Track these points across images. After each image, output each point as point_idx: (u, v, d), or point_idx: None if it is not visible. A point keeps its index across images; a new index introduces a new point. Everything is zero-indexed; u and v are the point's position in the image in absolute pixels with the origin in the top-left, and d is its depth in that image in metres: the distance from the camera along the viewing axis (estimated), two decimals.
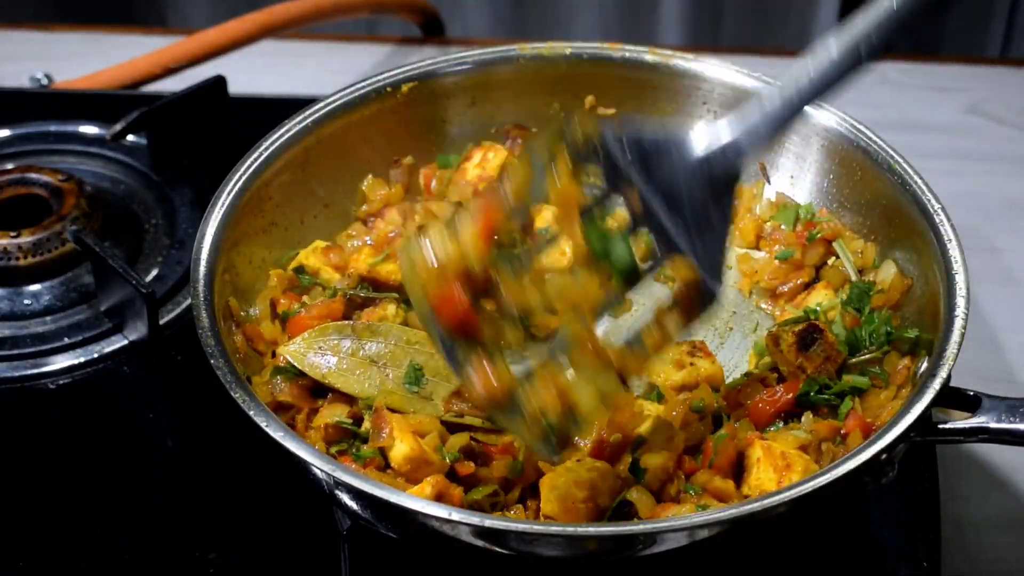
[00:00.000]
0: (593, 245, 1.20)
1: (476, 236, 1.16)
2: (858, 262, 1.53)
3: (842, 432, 1.33)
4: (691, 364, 1.44)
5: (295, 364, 1.38)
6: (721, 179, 1.17)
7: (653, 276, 1.21)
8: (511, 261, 1.18)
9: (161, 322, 1.57)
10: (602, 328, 1.20)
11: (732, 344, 1.53)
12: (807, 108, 1.57)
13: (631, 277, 1.20)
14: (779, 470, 1.27)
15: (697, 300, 1.18)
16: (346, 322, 1.41)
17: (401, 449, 1.29)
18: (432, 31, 2.36)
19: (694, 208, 1.17)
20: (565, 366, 1.17)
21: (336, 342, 1.39)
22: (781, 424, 1.37)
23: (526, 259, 1.19)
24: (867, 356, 1.41)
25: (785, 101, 1.17)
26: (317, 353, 1.39)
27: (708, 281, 1.17)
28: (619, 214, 1.44)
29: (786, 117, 1.17)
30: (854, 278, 1.51)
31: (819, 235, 1.55)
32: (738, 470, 1.33)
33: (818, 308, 1.47)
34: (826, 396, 1.37)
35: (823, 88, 1.15)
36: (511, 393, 1.17)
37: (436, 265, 1.14)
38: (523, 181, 1.18)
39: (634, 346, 1.19)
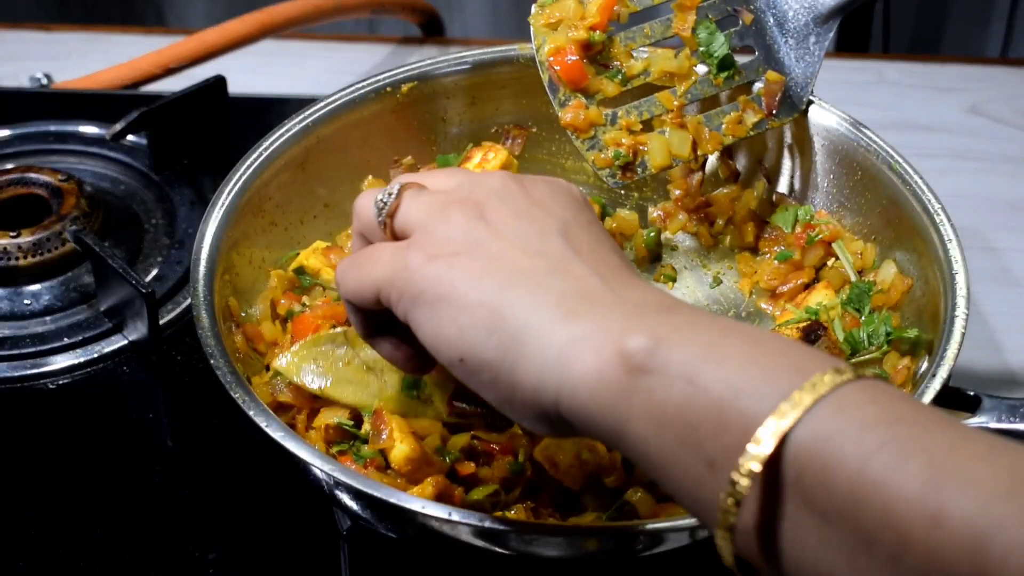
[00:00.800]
0: (699, 35, 1.48)
1: (600, 8, 1.46)
2: (858, 263, 1.53)
3: None
4: None
5: (288, 378, 1.37)
6: (825, 13, 1.46)
7: (745, 77, 1.51)
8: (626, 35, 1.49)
9: (161, 322, 1.57)
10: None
11: None
12: (809, 109, 1.60)
13: (725, 67, 1.48)
14: None
15: (780, 106, 1.47)
16: (338, 330, 1.39)
17: (401, 450, 1.29)
18: (432, 31, 2.36)
19: (797, 31, 1.45)
20: (647, 118, 1.47)
21: (329, 351, 1.37)
22: None
23: (639, 36, 1.51)
24: (867, 356, 1.41)
25: None
26: (310, 365, 1.37)
27: (795, 93, 1.46)
28: (619, 215, 1.50)
29: None
30: (853, 279, 1.51)
31: (818, 237, 1.55)
32: None
33: (819, 307, 1.47)
34: None
35: None
36: (593, 126, 1.47)
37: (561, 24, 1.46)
38: None
39: (712, 123, 1.49)
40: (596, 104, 1.48)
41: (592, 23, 1.46)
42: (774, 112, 1.51)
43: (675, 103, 1.50)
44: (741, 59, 1.53)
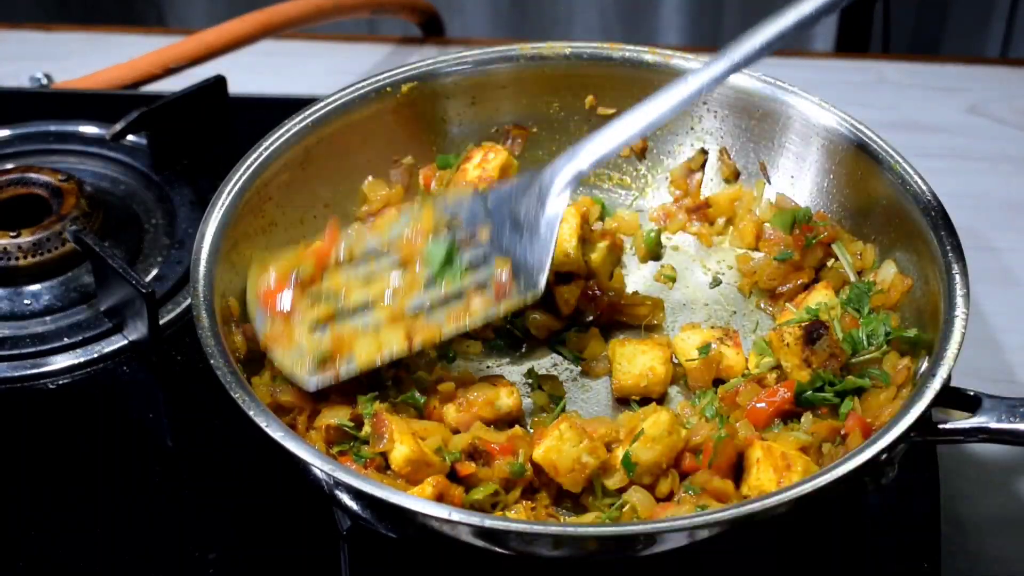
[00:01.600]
0: (430, 252, 1.43)
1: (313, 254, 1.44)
2: (858, 264, 1.53)
3: (842, 432, 1.33)
4: (716, 348, 1.46)
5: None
6: (544, 197, 1.42)
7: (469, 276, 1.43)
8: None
9: (161, 322, 1.56)
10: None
11: None
12: (807, 108, 1.60)
13: (443, 269, 1.43)
14: (779, 471, 1.27)
15: (510, 291, 1.40)
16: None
17: (401, 451, 1.29)
18: (432, 31, 2.36)
19: (528, 222, 1.42)
20: (357, 320, 1.40)
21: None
22: (781, 425, 1.37)
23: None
24: (867, 356, 1.41)
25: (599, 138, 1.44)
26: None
27: (529, 275, 1.40)
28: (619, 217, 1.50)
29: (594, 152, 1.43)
30: (853, 279, 1.51)
31: (816, 239, 1.54)
32: (737, 471, 1.33)
33: (818, 307, 1.47)
34: (826, 395, 1.37)
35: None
36: (296, 340, 1.39)
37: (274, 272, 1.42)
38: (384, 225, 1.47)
39: (430, 315, 1.40)
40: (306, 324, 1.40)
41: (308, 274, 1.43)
42: (505, 295, 1.41)
43: (392, 309, 1.41)
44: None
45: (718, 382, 1.46)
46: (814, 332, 1.39)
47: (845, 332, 1.42)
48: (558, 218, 1.41)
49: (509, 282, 1.40)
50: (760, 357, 1.46)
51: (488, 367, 1.48)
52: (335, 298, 1.41)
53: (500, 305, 1.40)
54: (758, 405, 1.37)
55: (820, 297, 1.50)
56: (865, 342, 1.42)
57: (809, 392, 1.37)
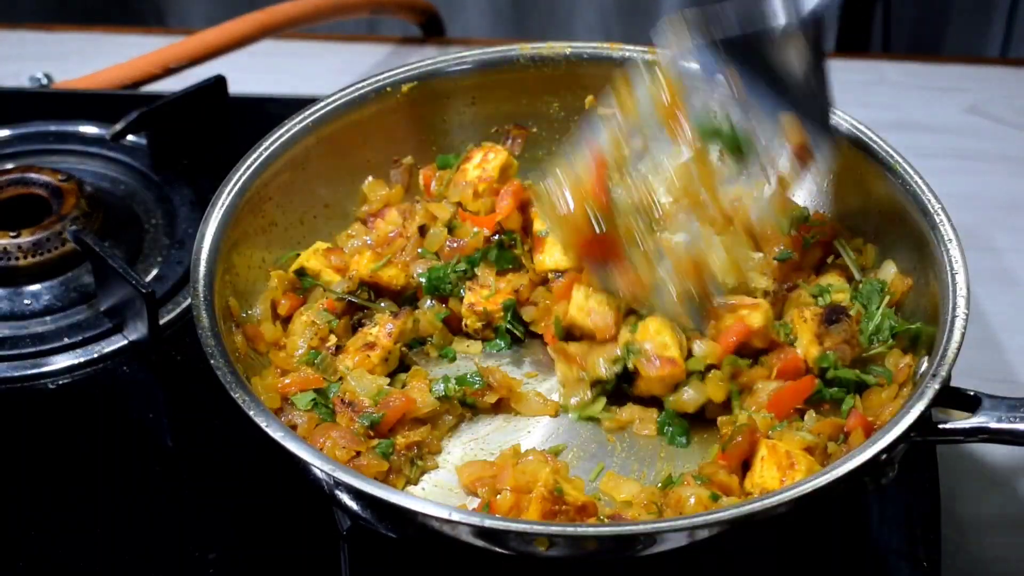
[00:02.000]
0: (702, 131, 1.38)
1: (592, 184, 1.40)
2: (859, 261, 1.53)
3: (844, 430, 1.33)
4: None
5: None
6: (807, 46, 1.33)
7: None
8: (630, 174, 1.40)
9: (161, 322, 1.57)
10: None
11: None
12: None
13: (739, 150, 1.39)
14: (783, 469, 1.28)
15: (810, 155, 1.36)
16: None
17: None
18: (432, 31, 2.36)
19: (791, 78, 1.34)
20: (696, 244, 1.38)
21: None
22: (786, 423, 1.37)
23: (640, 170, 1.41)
24: (872, 352, 1.41)
25: None
26: None
27: (817, 134, 1.35)
28: None
29: None
30: (858, 276, 1.51)
31: (815, 239, 1.54)
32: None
33: (830, 287, 1.47)
34: (832, 390, 1.38)
35: None
36: (656, 284, 1.39)
37: (570, 212, 1.39)
38: (631, 107, 1.41)
39: (761, 214, 1.39)
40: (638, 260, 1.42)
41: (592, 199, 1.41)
42: (807, 162, 1.40)
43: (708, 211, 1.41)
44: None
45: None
46: (834, 315, 1.40)
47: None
48: (822, 66, 1.34)
49: (807, 153, 1.36)
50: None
51: (488, 367, 1.48)
52: (647, 217, 1.39)
53: (808, 168, 1.38)
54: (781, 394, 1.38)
55: (832, 279, 1.50)
56: (874, 339, 1.42)
57: (822, 389, 1.38)
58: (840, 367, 1.39)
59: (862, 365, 1.41)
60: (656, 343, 1.40)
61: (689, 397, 1.40)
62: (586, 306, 1.47)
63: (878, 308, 1.45)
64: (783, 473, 1.27)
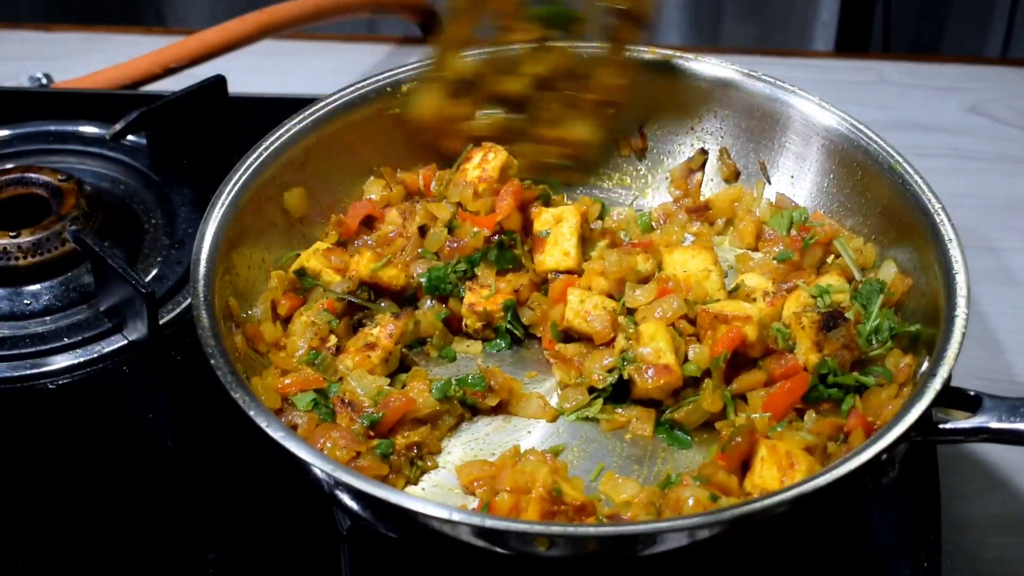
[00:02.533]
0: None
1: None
2: (859, 260, 1.53)
3: (844, 430, 1.33)
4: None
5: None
6: None
7: None
8: None
9: (161, 322, 1.56)
10: None
11: None
12: (807, 108, 1.60)
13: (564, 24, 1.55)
14: (783, 469, 1.28)
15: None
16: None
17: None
18: (432, 31, 2.36)
19: None
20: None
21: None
22: (785, 423, 1.37)
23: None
24: (872, 353, 1.41)
25: None
26: None
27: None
28: None
29: None
30: (857, 276, 1.51)
31: (814, 239, 1.54)
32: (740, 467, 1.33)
33: (829, 288, 1.47)
34: (832, 391, 1.37)
35: None
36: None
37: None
38: None
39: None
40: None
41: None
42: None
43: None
44: None
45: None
46: (832, 320, 1.40)
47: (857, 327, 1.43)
48: None
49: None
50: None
51: (488, 367, 1.48)
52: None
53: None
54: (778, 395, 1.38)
55: (832, 280, 1.50)
56: (873, 339, 1.42)
57: (819, 387, 1.38)
58: (840, 373, 1.39)
59: (862, 366, 1.40)
60: (652, 349, 1.40)
61: (686, 413, 1.40)
62: (582, 310, 1.47)
63: (878, 308, 1.44)
64: (783, 473, 1.27)
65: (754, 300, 1.48)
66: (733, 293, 1.51)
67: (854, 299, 1.47)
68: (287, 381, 1.41)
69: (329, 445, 1.33)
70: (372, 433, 1.37)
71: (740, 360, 1.42)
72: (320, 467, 1.20)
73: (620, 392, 1.44)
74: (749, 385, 1.40)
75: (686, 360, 1.41)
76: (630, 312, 1.46)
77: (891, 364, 1.39)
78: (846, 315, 1.41)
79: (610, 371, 1.43)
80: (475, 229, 1.55)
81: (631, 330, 1.43)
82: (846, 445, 1.31)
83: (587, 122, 1.59)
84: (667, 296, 1.45)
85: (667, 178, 1.70)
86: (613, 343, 1.44)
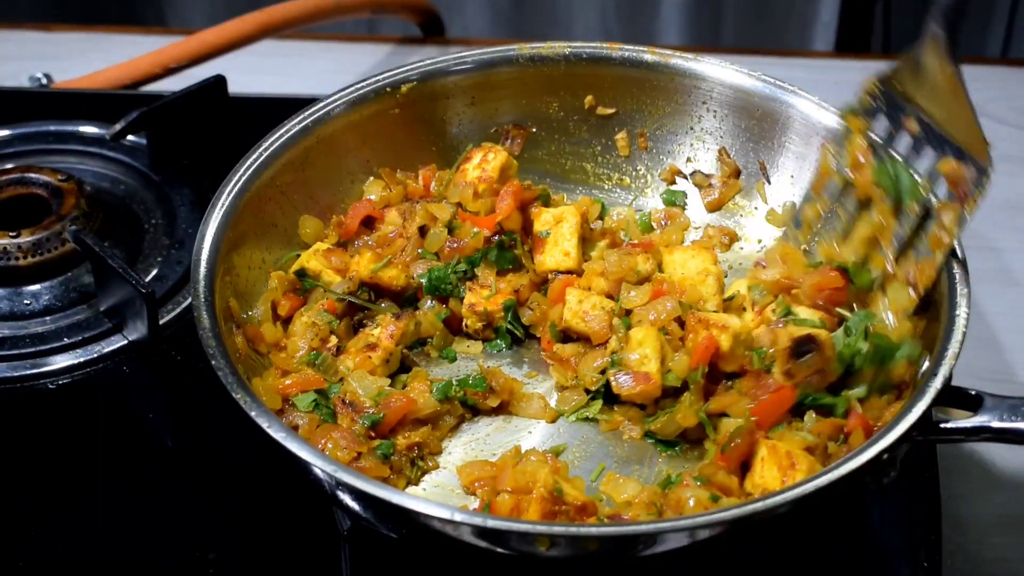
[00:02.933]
0: (883, 183, 1.44)
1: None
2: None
3: (844, 431, 1.33)
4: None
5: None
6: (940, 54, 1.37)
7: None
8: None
9: (161, 322, 1.56)
10: None
11: None
12: (807, 108, 1.60)
13: (899, 199, 1.44)
14: (784, 469, 1.27)
15: (968, 184, 1.38)
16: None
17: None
18: (432, 31, 2.36)
19: (937, 96, 1.39)
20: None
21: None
22: (786, 424, 1.36)
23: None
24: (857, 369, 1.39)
25: None
26: None
27: (972, 160, 1.38)
28: None
29: None
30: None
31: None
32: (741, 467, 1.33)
33: (808, 319, 1.43)
34: (826, 399, 1.37)
35: None
36: None
37: None
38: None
39: (919, 254, 1.40)
40: None
41: None
42: (967, 194, 1.40)
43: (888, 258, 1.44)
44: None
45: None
46: (802, 347, 1.36)
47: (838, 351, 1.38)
48: (958, 75, 1.37)
49: (964, 175, 1.39)
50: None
51: (488, 367, 1.48)
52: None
53: (968, 206, 1.39)
54: (761, 397, 1.37)
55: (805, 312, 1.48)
56: (856, 360, 1.39)
57: (804, 401, 1.37)
58: (818, 396, 1.37)
59: (847, 379, 1.39)
60: (639, 355, 1.39)
61: (662, 425, 1.40)
62: (580, 310, 1.47)
63: (862, 338, 1.40)
64: (784, 473, 1.27)
65: (744, 310, 1.47)
66: (728, 300, 1.50)
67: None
68: (288, 382, 1.41)
69: (330, 446, 1.33)
70: (373, 434, 1.37)
71: (718, 374, 1.41)
72: (321, 467, 1.20)
73: (611, 393, 1.44)
74: (725, 405, 1.38)
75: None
76: (627, 313, 1.46)
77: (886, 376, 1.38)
78: (817, 339, 1.36)
79: (601, 372, 1.43)
80: (475, 229, 1.55)
81: (621, 333, 1.43)
82: (846, 446, 1.31)
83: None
84: (661, 298, 1.45)
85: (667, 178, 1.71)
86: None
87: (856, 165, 1.46)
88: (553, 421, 1.45)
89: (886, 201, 1.43)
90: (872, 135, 1.47)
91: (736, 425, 1.34)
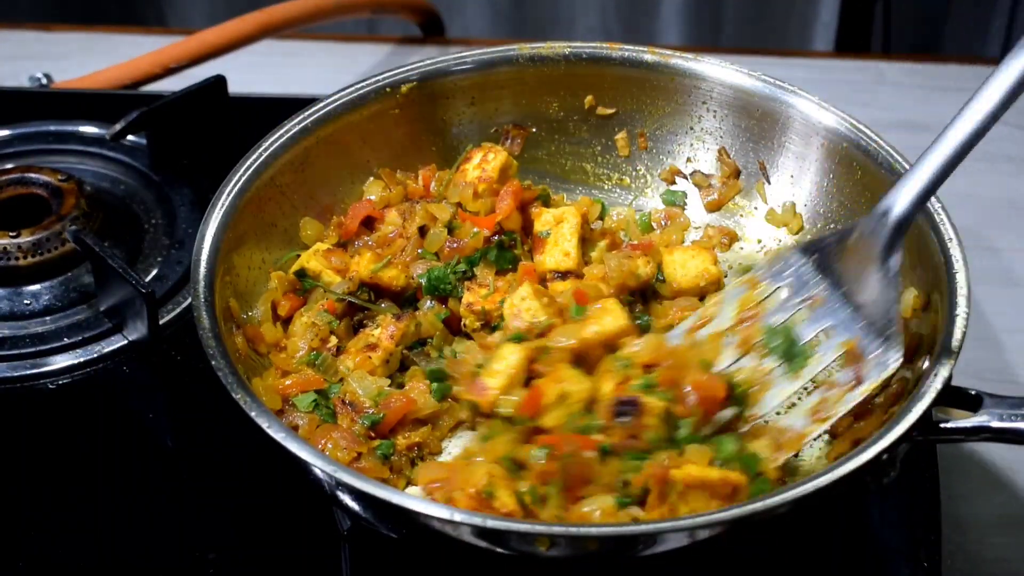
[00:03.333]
0: (770, 345, 1.38)
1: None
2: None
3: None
4: None
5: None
6: (877, 249, 1.32)
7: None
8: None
9: (161, 322, 1.57)
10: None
11: None
12: (807, 108, 1.60)
13: (792, 359, 1.37)
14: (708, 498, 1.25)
15: (867, 372, 1.31)
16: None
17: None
18: (432, 31, 2.36)
19: (860, 283, 1.33)
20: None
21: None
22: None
23: None
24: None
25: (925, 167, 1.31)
26: None
27: (875, 351, 1.31)
28: None
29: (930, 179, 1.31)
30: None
31: None
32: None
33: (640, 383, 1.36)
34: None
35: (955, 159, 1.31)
36: None
37: None
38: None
39: (791, 417, 1.34)
40: None
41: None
42: (863, 379, 1.32)
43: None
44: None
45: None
46: (622, 408, 1.31)
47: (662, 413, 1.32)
48: (897, 274, 1.31)
49: (865, 361, 1.31)
50: None
51: None
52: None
53: (859, 391, 1.31)
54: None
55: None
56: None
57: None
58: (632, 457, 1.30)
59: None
60: (498, 368, 1.38)
61: None
62: (520, 306, 1.44)
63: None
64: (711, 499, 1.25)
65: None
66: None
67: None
68: (288, 382, 1.41)
69: (331, 446, 1.33)
70: (373, 434, 1.37)
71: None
72: (322, 468, 1.20)
73: None
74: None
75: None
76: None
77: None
78: (641, 404, 1.31)
79: None
80: (475, 229, 1.55)
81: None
82: (851, 431, 1.32)
83: None
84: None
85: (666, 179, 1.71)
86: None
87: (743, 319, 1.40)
88: None
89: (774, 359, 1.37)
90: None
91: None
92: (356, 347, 1.46)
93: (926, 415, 1.24)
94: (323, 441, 1.34)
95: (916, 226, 1.44)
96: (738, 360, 1.38)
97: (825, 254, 1.38)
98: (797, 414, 1.34)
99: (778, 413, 1.37)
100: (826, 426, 1.32)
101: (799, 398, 1.37)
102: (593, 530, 1.19)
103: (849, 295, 1.34)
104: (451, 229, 1.56)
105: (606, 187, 1.73)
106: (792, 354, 1.36)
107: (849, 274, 1.35)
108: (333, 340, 1.47)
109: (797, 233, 1.62)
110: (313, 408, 1.39)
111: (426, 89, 1.67)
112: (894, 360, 1.30)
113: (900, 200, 1.31)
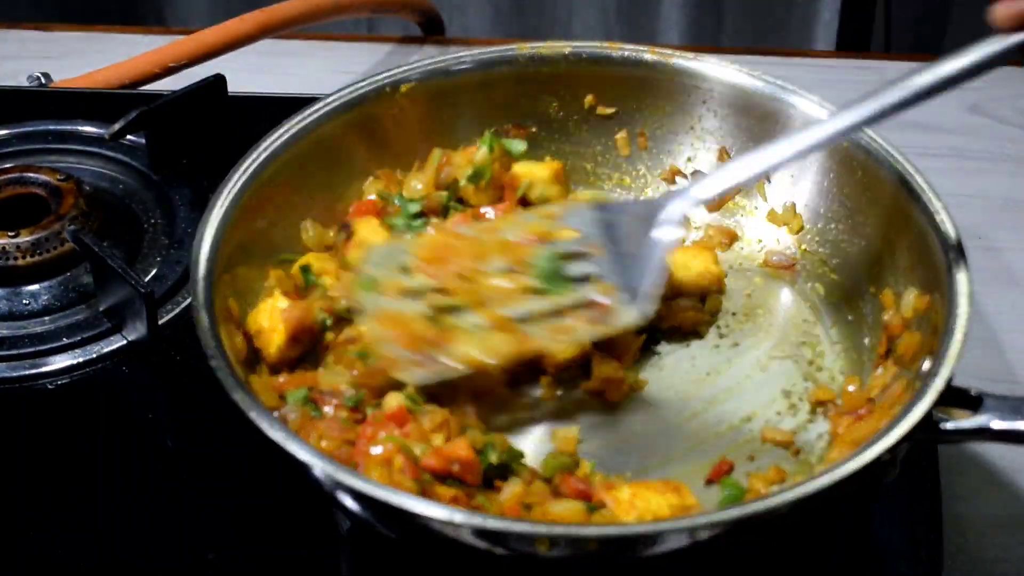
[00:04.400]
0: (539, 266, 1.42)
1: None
2: (889, 302, 1.50)
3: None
4: None
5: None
6: (652, 221, 1.40)
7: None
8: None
9: (160, 322, 1.56)
10: None
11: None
12: (807, 108, 1.59)
13: (551, 281, 1.42)
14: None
15: (610, 316, 1.38)
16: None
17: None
18: (432, 31, 2.36)
19: (634, 245, 1.40)
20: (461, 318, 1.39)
21: None
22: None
23: None
24: None
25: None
26: None
27: (625, 300, 1.37)
28: None
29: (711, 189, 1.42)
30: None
31: None
32: None
33: None
34: None
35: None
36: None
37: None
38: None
39: (530, 327, 1.39)
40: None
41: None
42: (604, 319, 1.38)
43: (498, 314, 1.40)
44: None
45: None
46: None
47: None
48: (667, 247, 1.39)
49: (610, 307, 1.38)
50: None
51: None
52: (440, 290, 1.41)
53: (597, 328, 1.38)
54: None
55: None
56: None
57: None
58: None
59: None
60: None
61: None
62: None
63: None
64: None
65: None
66: None
67: None
68: (282, 379, 1.41)
69: (317, 437, 1.33)
70: (359, 416, 1.36)
71: None
72: (321, 468, 1.20)
73: None
74: None
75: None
76: None
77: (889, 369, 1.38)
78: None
79: None
80: None
81: None
82: (856, 425, 1.32)
83: None
84: None
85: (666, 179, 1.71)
86: None
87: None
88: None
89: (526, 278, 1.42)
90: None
91: None
92: (337, 341, 1.46)
93: (927, 416, 1.24)
94: (312, 434, 1.33)
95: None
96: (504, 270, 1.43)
97: (616, 215, 1.45)
98: (541, 327, 1.39)
99: (523, 321, 1.40)
100: (557, 346, 1.40)
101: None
102: (594, 531, 1.19)
103: (621, 255, 1.41)
104: None
105: (606, 187, 1.72)
106: (552, 280, 1.41)
107: (629, 239, 1.41)
108: (329, 336, 1.47)
109: (798, 232, 1.62)
110: (304, 403, 1.39)
111: (426, 89, 1.67)
112: (631, 318, 1.37)
113: (675, 204, 1.40)
